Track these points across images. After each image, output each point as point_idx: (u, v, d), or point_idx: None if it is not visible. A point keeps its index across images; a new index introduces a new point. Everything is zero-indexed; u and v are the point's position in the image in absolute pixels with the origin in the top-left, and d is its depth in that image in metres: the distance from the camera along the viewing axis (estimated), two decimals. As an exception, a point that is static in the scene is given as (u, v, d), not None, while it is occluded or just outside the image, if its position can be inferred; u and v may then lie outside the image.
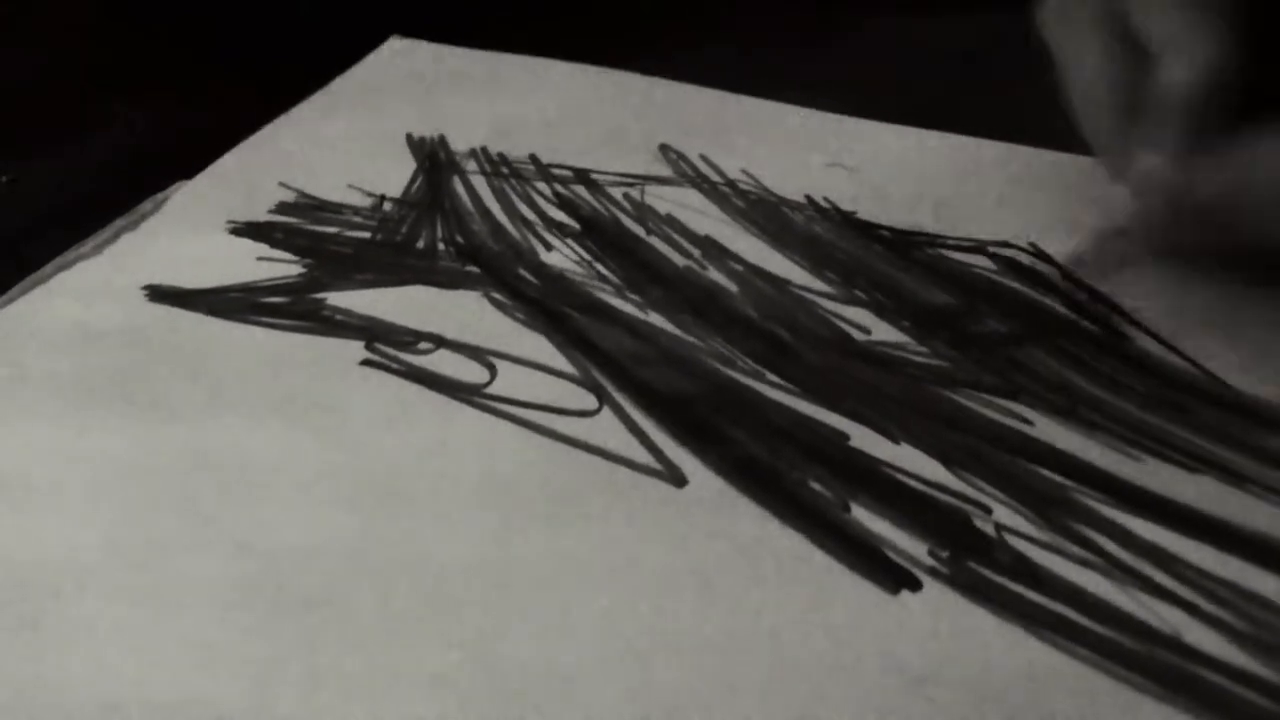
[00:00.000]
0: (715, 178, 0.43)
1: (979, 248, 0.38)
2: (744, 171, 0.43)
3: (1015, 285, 0.37)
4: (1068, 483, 0.30)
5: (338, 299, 0.38)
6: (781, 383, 0.34)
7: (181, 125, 0.48)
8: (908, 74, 0.49)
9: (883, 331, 0.35)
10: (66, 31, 0.56)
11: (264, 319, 0.37)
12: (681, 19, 0.53)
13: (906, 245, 0.39)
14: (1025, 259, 0.38)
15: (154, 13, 0.55)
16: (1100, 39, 0.35)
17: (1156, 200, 0.34)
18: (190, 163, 0.44)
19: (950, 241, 0.39)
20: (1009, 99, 0.45)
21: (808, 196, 0.41)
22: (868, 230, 0.40)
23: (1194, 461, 0.30)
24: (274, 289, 0.38)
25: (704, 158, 0.44)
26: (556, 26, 0.53)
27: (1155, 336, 0.34)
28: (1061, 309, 0.36)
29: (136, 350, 0.36)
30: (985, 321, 0.36)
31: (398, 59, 0.52)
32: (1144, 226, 0.35)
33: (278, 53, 0.52)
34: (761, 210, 0.41)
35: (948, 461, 0.31)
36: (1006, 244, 0.38)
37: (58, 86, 0.51)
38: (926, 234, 0.39)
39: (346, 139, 0.46)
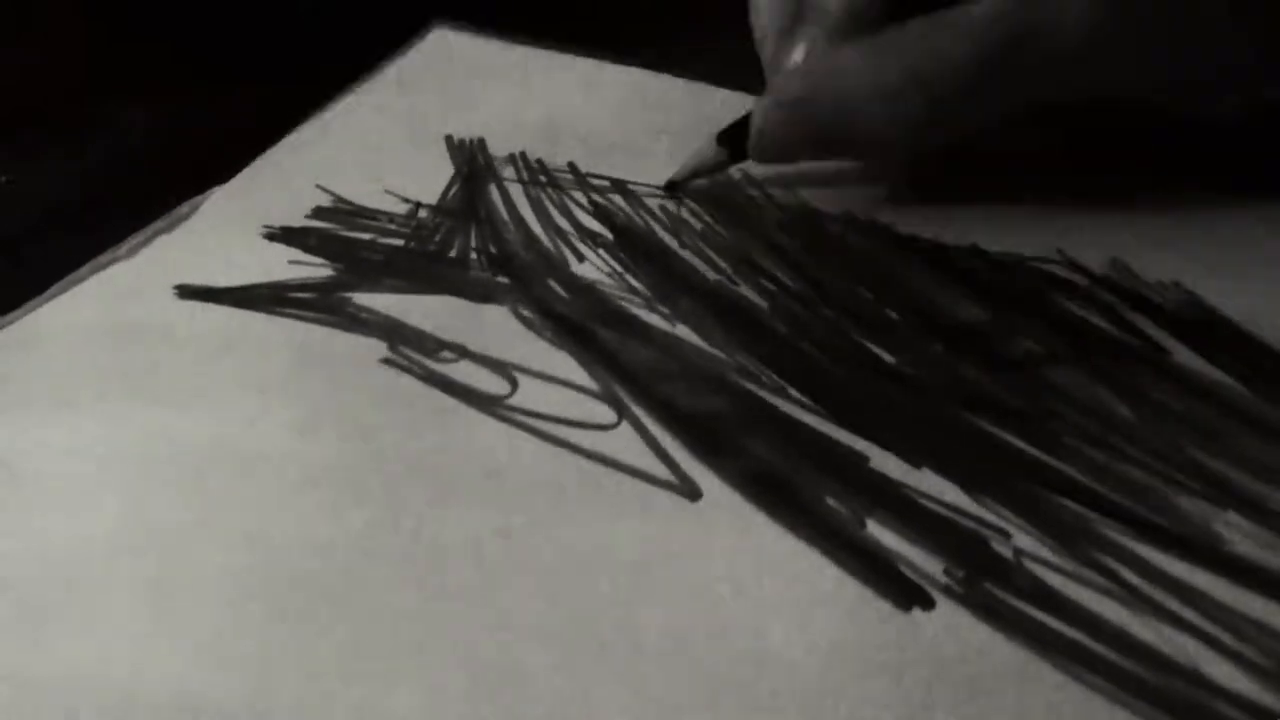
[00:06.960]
0: (753, 191, 0.43)
1: (1017, 261, 0.38)
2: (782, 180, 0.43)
3: (1050, 300, 0.36)
4: (1091, 514, 0.29)
5: (364, 299, 0.38)
6: (804, 400, 0.33)
7: (188, 125, 0.47)
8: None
9: (912, 352, 0.35)
10: (67, 32, 0.56)
11: (288, 310, 0.37)
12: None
13: (943, 259, 0.38)
14: (1061, 271, 0.37)
15: (172, 7, 0.54)
16: None
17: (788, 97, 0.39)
18: (193, 166, 0.44)
19: (990, 256, 0.38)
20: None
21: (846, 210, 0.41)
22: (905, 244, 0.39)
23: (1223, 495, 0.29)
24: (301, 286, 0.38)
25: (740, 170, 0.43)
26: (611, 15, 0.52)
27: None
28: (1098, 321, 0.35)
29: (160, 345, 0.36)
30: (1018, 341, 0.35)
31: (439, 51, 0.51)
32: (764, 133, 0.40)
33: (307, 48, 0.51)
34: (798, 222, 0.41)
35: (969, 488, 0.30)
36: (1045, 259, 0.38)
37: (57, 87, 0.51)
38: (963, 247, 0.39)
39: (384, 138, 0.46)
